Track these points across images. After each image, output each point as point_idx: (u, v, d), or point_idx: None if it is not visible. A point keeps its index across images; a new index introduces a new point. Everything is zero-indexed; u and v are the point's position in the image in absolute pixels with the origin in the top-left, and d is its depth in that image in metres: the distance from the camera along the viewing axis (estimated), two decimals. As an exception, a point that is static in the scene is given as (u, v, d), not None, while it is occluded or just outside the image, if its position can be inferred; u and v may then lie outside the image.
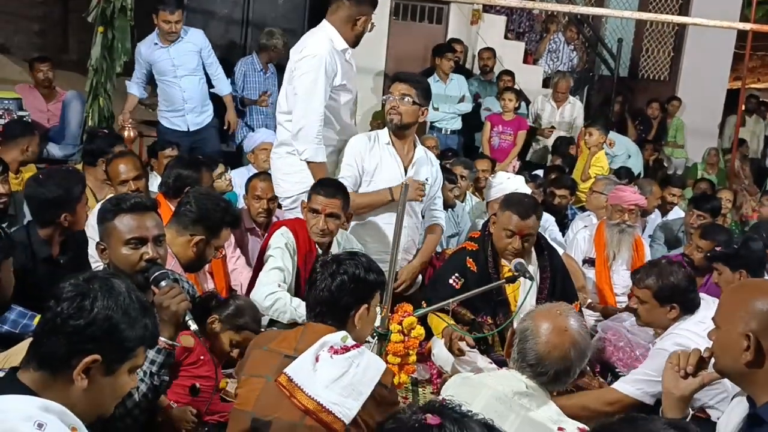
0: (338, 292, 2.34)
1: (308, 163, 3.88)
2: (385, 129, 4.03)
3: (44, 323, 1.65)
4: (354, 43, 3.96)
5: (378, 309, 2.52)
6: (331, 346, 2.23)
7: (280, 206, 4.34)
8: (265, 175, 4.48)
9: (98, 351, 1.61)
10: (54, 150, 5.97)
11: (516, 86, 8.10)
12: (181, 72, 5.95)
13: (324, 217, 3.47)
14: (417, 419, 1.32)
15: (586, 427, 2.12)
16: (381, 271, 2.48)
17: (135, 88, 5.98)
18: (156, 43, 5.85)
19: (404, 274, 3.98)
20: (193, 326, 2.37)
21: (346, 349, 2.23)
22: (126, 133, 5.44)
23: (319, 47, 3.82)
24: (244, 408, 2.25)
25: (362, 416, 2.16)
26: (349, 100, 4.02)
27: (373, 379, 2.19)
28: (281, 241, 3.52)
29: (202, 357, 2.76)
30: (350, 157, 3.94)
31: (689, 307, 3.13)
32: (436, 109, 7.70)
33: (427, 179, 4.05)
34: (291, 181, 3.99)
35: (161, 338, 2.33)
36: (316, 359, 2.21)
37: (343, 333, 2.29)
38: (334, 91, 3.90)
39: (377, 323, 2.69)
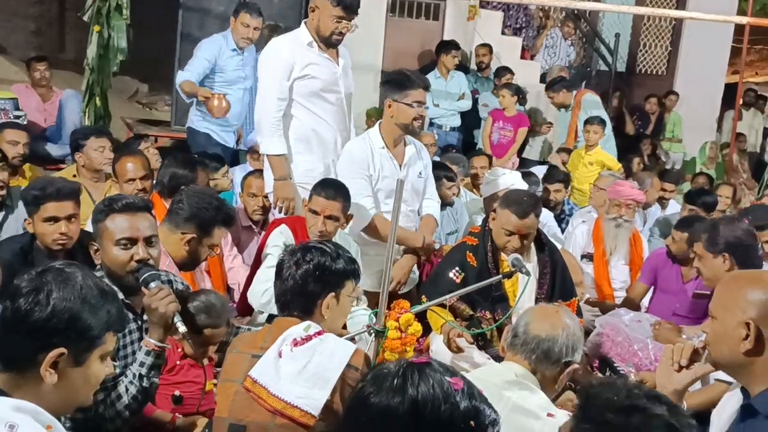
0: (303, 280, 2.31)
1: (267, 156, 3.93)
2: (375, 130, 3.99)
3: (3, 323, 1.60)
4: (320, 38, 3.89)
5: (353, 300, 2.50)
6: (294, 339, 2.21)
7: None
8: (259, 172, 4.47)
9: (63, 343, 1.57)
10: (51, 149, 5.95)
11: (513, 81, 8.11)
12: (249, 82, 5.60)
13: (323, 219, 3.45)
14: (401, 363, 1.38)
15: None
16: (352, 260, 2.44)
17: (193, 76, 5.34)
18: (234, 50, 5.48)
19: (397, 274, 3.89)
20: (182, 328, 2.33)
21: (308, 339, 2.20)
22: (216, 102, 5.09)
23: (273, 44, 3.95)
24: (220, 415, 2.25)
25: (337, 402, 2.14)
26: (319, 89, 3.96)
27: (340, 364, 2.16)
28: (279, 239, 3.52)
29: (178, 362, 2.70)
30: (361, 170, 3.87)
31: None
32: (437, 106, 7.74)
33: (420, 173, 4.04)
34: (271, 176, 4.02)
35: (150, 340, 2.32)
36: (279, 355, 2.19)
37: (306, 323, 2.27)
38: (298, 82, 3.90)
39: (373, 320, 2.68)
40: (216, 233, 3.20)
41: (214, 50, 5.44)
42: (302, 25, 3.97)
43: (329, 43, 3.91)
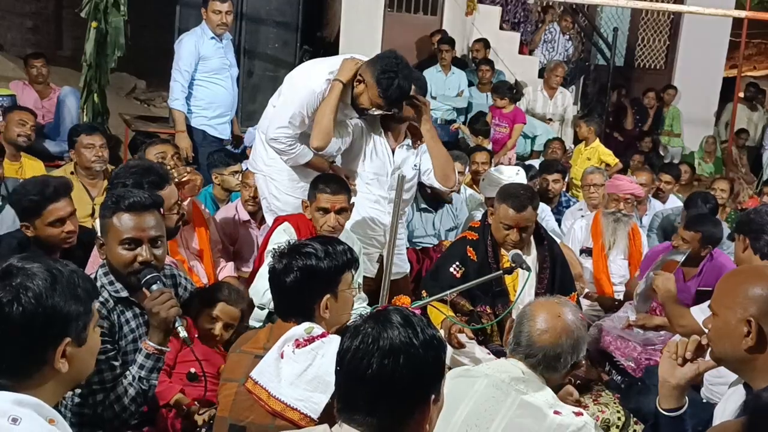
0: (294, 289, 2.26)
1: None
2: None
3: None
4: (353, 103, 3.75)
5: (354, 291, 2.44)
6: (296, 340, 2.18)
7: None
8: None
9: (64, 335, 1.57)
10: (49, 146, 5.94)
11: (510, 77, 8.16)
12: (234, 71, 5.58)
13: (334, 215, 3.45)
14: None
15: (582, 411, 2.13)
16: (342, 252, 2.33)
17: (182, 102, 5.40)
18: (213, 38, 5.45)
19: None
20: (183, 333, 2.32)
21: (311, 340, 2.16)
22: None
23: (316, 73, 3.74)
24: (222, 414, 2.24)
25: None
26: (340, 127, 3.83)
27: None
28: (282, 237, 3.49)
29: (197, 335, 2.76)
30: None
31: None
32: (434, 98, 7.78)
33: (415, 165, 4.00)
34: (258, 156, 3.93)
35: (150, 343, 2.31)
36: (281, 356, 2.17)
37: (307, 324, 2.24)
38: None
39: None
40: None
41: (193, 46, 5.41)
42: (344, 64, 3.73)
43: (358, 111, 3.80)
